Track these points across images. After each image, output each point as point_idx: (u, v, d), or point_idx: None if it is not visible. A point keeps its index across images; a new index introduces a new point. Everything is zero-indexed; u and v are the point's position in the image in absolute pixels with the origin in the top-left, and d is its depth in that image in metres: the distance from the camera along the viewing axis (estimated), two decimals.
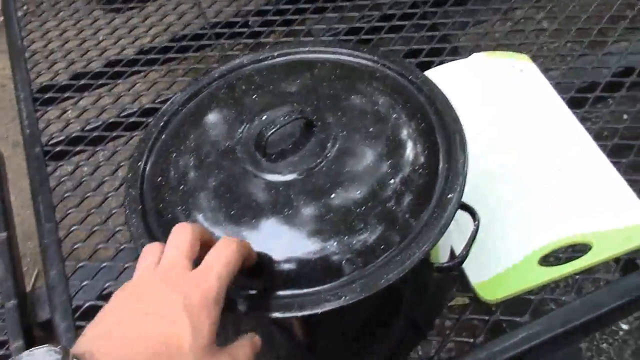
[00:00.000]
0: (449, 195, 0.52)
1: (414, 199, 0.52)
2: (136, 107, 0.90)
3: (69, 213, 0.81)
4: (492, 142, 0.77)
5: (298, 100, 0.57)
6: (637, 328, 1.14)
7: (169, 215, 0.54)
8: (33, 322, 0.85)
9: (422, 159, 0.54)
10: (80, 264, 0.76)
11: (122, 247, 0.76)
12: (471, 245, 0.54)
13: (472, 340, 0.62)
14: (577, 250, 0.68)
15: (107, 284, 0.74)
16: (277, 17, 0.96)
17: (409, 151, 0.55)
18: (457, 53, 0.88)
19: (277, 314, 0.48)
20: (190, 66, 0.94)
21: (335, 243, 0.50)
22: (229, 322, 0.57)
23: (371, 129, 0.55)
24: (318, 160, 0.52)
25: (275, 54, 0.63)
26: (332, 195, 0.51)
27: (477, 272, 0.67)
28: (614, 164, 0.73)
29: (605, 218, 0.69)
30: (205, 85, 0.62)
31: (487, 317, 0.64)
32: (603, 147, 0.75)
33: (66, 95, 0.92)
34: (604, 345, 1.13)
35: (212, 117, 0.58)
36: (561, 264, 0.67)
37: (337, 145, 0.53)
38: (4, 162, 1.05)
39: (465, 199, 0.55)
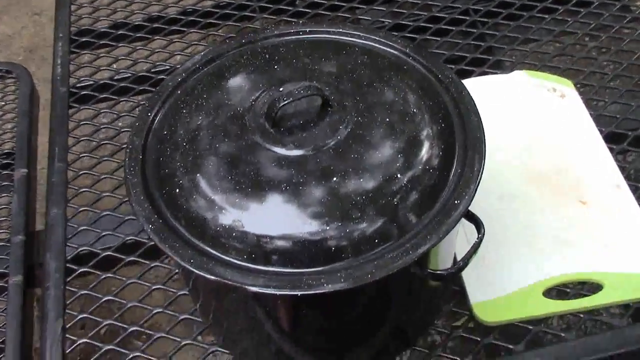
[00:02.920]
0: (456, 202, 0.50)
1: (420, 198, 0.50)
2: (168, 65, 0.89)
3: (82, 157, 0.80)
4: (516, 162, 0.74)
5: (319, 78, 0.55)
6: None
7: (167, 171, 0.52)
8: (35, 261, 0.85)
9: (435, 160, 0.52)
10: (82, 208, 0.75)
11: (126, 199, 0.74)
12: (471, 256, 0.51)
13: (458, 359, 0.60)
14: (586, 288, 0.64)
15: (104, 233, 0.73)
16: (325, 0, 0.94)
17: (424, 149, 0.52)
18: (499, 67, 0.85)
19: (254, 288, 0.46)
20: (228, 34, 0.93)
21: (328, 227, 0.48)
22: (212, 295, 0.55)
23: (388, 120, 0.52)
24: (327, 141, 0.50)
25: (307, 29, 0.61)
26: (335, 179, 0.49)
27: (478, 291, 0.64)
28: None
29: (623, 260, 0.65)
30: (229, 50, 0.60)
31: (479, 339, 0.62)
32: (634, 188, 0.71)
33: (102, 42, 0.92)
34: None
35: (229, 82, 0.56)
36: (567, 299, 0.63)
37: (350, 130, 0.51)
38: (38, 102, 1.05)
39: (478, 213, 0.52)
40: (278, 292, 0.46)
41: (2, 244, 0.86)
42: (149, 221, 0.50)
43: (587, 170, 0.73)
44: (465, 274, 0.65)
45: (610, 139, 0.76)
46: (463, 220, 0.50)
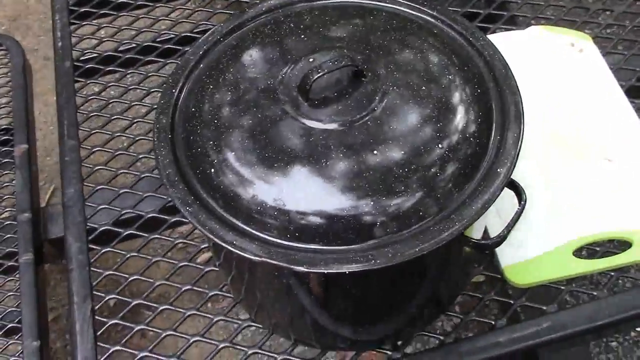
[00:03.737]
0: (498, 170, 0.49)
1: (459, 168, 0.49)
2: (173, 34, 0.86)
3: (93, 133, 0.78)
4: (537, 121, 0.72)
5: (348, 47, 0.53)
6: None
7: (199, 149, 0.51)
8: (44, 238, 0.84)
9: (473, 127, 0.51)
10: (99, 187, 0.74)
11: (143, 175, 0.73)
12: (514, 224, 0.50)
13: (493, 322, 0.60)
14: (615, 246, 0.64)
15: (124, 211, 0.72)
16: None
17: (461, 117, 0.51)
18: (514, 23, 0.83)
19: (300, 268, 0.45)
20: None
21: (370, 202, 0.47)
22: (248, 272, 0.55)
23: (423, 88, 0.51)
24: (363, 113, 0.49)
25: None
26: (374, 152, 0.48)
27: (508, 254, 0.64)
28: None
29: None
30: (250, 19, 0.58)
31: (511, 301, 0.62)
32: None
33: (102, 11, 0.89)
34: (614, 343, 1.10)
35: (254, 53, 0.54)
36: (597, 258, 0.63)
37: (386, 100, 0.50)
38: (31, 74, 1.02)
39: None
40: (326, 271, 0.45)
41: (9, 222, 0.85)
42: (185, 203, 0.48)
43: (610, 126, 0.72)
44: None
45: (632, 92, 0.75)
46: None
